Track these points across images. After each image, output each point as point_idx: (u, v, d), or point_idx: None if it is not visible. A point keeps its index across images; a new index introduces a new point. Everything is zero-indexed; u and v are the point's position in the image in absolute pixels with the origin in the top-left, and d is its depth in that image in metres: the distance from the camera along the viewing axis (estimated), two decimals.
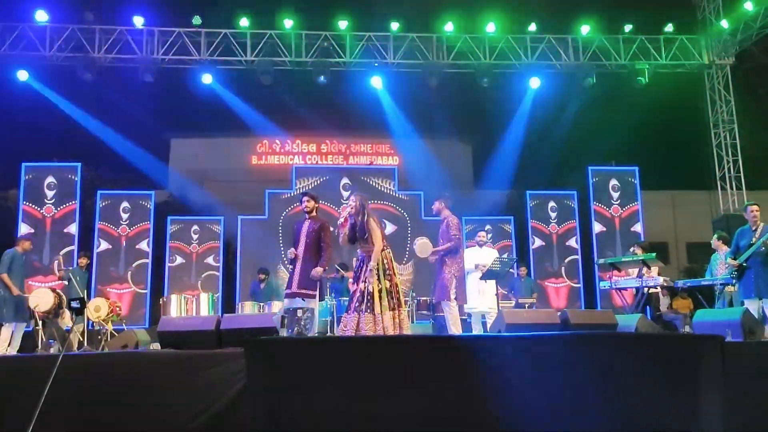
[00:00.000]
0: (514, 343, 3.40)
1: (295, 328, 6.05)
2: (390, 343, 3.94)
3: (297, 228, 7.72)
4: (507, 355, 3.27)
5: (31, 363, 5.02)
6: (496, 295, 8.77)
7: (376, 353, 3.42)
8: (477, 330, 9.04)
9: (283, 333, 6.06)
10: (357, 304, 6.54)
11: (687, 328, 9.44)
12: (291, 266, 7.64)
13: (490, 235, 13.68)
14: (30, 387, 4.03)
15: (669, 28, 15.00)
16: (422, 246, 8.20)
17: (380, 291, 6.53)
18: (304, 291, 7.55)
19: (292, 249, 7.62)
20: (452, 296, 8.01)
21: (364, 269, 6.71)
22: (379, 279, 6.61)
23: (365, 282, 6.58)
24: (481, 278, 8.76)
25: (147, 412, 4.48)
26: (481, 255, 9.27)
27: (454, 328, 7.98)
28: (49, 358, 4.60)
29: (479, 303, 8.95)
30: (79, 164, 13.51)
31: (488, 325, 8.48)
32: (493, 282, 8.84)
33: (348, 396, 3.28)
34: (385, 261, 6.74)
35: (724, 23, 14.67)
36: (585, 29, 14.75)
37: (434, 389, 3.28)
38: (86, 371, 4.55)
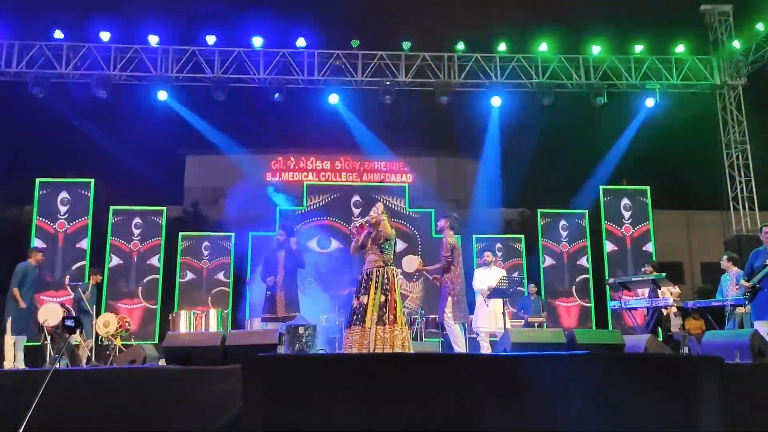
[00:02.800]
0: (503, 363, 3.40)
1: (297, 345, 6.06)
2: (383, 361, 3.95)
3: (272, 257, 8.13)
4: (498, 375, 3.27)
5: (22, 378, 5.04)
6: (503, 314, 8.65)
7: (370, 370, 3.42)
8: (485, 349, 8.96)
9: (281, 350, 6.07)
10: (354, 317, 6.52)
11: (686, 350, 9.34)
12: (269, 292, 7.95)
13: (500, 254, 13.71)
14: (21, 402, 4.05)
15: (680, 48, 14.98)
16: (409, 261, 8.29)
17: (373, 305, 6.45)
18: (290, 315, 7.86)
19: (271, 277, 7.91)
20: (447, 315, 8.04)
21: (364, 284, 6.64)
22: (375, 292, 6.51)
23: (363, 295, 6.53)
24: (488, 297, 8.63)
25: (147, 428, 4.49)
26: (489, 276, 8.95)
27: (456, 347, 8.00)
28: (38, 374, 4.60)
29: (488, 323, 8.79)
30: (92, 180, 13.65)
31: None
32: (500, 301, 8.74)
33: (343, 413, 3.30)
34: (386, 276, 6.61)
35: (736, 44, 14.64)
36: (596, 49, 14.78)
37: (428, 405, 3.29)
38: (76, 387, 4.57)
